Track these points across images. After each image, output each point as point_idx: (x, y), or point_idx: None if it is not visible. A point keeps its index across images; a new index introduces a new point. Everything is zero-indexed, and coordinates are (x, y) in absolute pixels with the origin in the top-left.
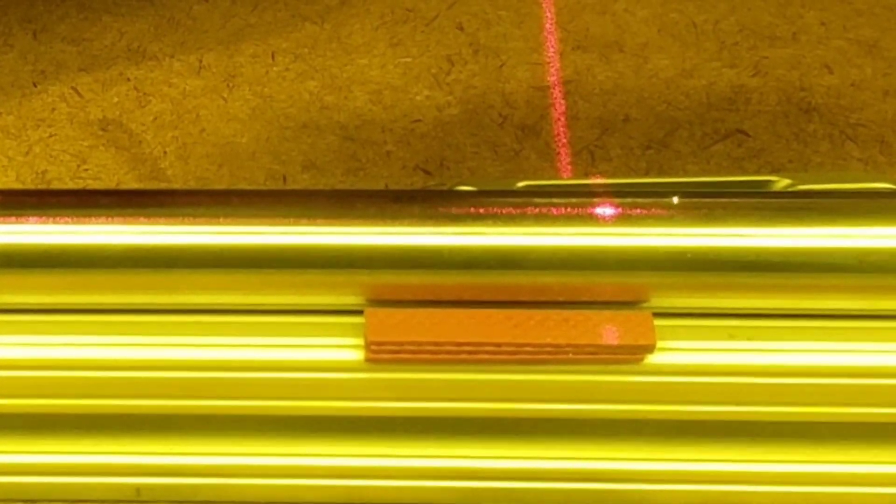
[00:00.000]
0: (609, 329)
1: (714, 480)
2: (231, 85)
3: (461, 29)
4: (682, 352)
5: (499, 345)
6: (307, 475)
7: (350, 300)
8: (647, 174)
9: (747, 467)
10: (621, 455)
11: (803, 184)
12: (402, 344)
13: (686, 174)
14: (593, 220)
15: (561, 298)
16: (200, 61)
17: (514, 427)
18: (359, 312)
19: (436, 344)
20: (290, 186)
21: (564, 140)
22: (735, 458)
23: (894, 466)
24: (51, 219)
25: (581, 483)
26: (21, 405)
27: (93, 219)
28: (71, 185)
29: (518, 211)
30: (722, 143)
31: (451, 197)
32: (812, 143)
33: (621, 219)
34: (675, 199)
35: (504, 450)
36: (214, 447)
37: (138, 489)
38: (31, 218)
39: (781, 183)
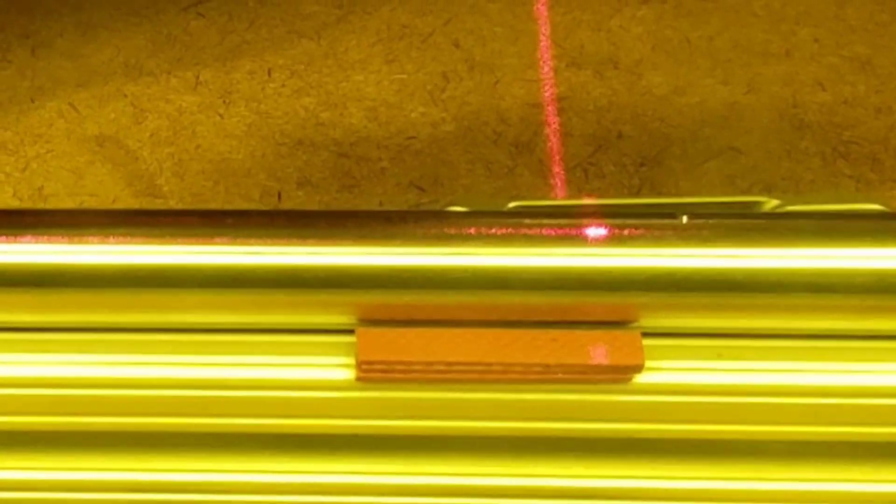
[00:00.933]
0: (598, 349)
1: (702, 499)
2: (227, 101)
3: (457, 45)
4: (671, 371)
5: (489, 364)
6: (297, 493)
7: (341, 319)
8: (640, 191)
9: (735, 485)
10: (610, 473)
11: (792, 205)
12: (392, 363)
13: (679, 191)
14: (582, 240)
15: (550, 318)
16: (197, 77)
17: (504, 445)
18: (350, 332)
19: (426, 363)
20: (285, 202)
21: (558, 157)
22: (723, 476)
23: (882, 485)
24: (45, 238)
25: (570, 501)
26: (17, 423)
27: (85, 238)
28: (68, 201)
29: (508, 231)
30: (715, 160)
31: (442, 217)
32: (804, 161)
33: (610, 239)
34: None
35: (493, 468)
36: (205, 464)
37: None
38: (26, 237)
39: (770, 204)
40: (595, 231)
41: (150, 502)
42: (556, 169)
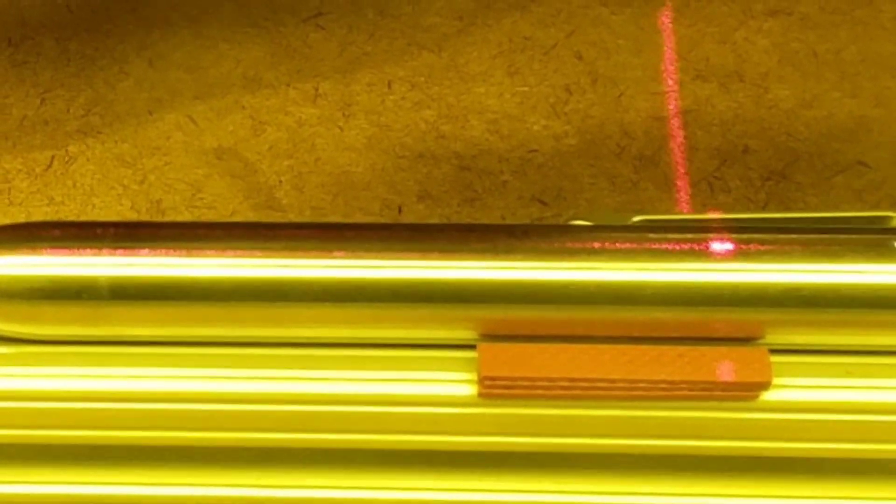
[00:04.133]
0: (724, 365)
1: None
2: (347, 114)
3: (580, 58)
4: (798, 389)
5: (613, 381)
6: None
7: (463, 335)
8: (766, 206)
9: None
10: (736, 492)
11: None
12: (515, 379)
13: (806, 206)
14: (708, 255)
15: (675, 334)
16: (316, 89)
17: (628, 463)
18: (472, 347)
19: (549, 379)
20: (406, 216)
21: (683, 171)
22: (852, 496)
23: None
24: (163, 251)
25: None
26: (133, 437)
27: (203, 252)
28: (186, 214)
29: (632, 246)
30: (842, 175)
31: (565, 231)
32: None
33: (737, 255)
34: None
35: (618, 485)
36: (325, 480)
37: None
38: (144, 250)
39: None
40: (721, 246)
41: None
42: (681, 183)
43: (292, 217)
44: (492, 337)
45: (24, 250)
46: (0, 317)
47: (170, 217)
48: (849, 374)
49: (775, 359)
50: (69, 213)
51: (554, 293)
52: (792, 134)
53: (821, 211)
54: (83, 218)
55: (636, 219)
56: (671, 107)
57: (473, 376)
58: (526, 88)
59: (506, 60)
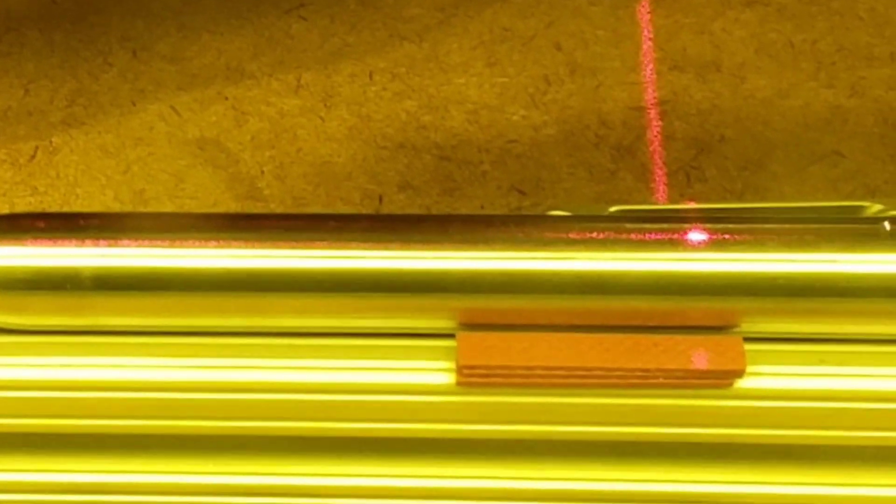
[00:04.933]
0: (699, 354)
1: None
2: (328, 104)
3: (559, 49)
4: (773, 377)
5: (589, 369)
6: (397, 496)
7: (442, 324)
8: (742, 195)
9: (837, 491)
10: (710, 479)
11: None
12: (493, 368)
13: (782, 195)
14: (684, 245)
15: (651, 323)
16: (299, 80)
17: (604, 450)
18: (451, 336)
19: (527, 368)
20: (386, 206)
21: (660, 161)
22: (825, 482)
23: None
24: (146, 242)
25: None
26: (116, 426)
27: (186, 242)
28: (168, 204)
29: (610, 235)
30: (818, 165)
31: (543, 222)
32: None
33: (712, 244)
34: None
35: (594, 472)
36: (305, 468)
37: None
38: (126, 241)
39: (874, 208)
40: (696, 235)
41: None
42: (658, 173)
43: (274, 207)
44: (470, 326)
45: (8, 241)
46: None
47: (153, 207)
48: (822, 362)
49: (749, 347)
50: (53, 203)
51: (532, 283)
52: (768, 124)
53: (796, 200)
54: (66, 208)
55: (613, 209)
56: (649, 97)
57: (452, 365)
58: (505, 79)
59: (486, 51)
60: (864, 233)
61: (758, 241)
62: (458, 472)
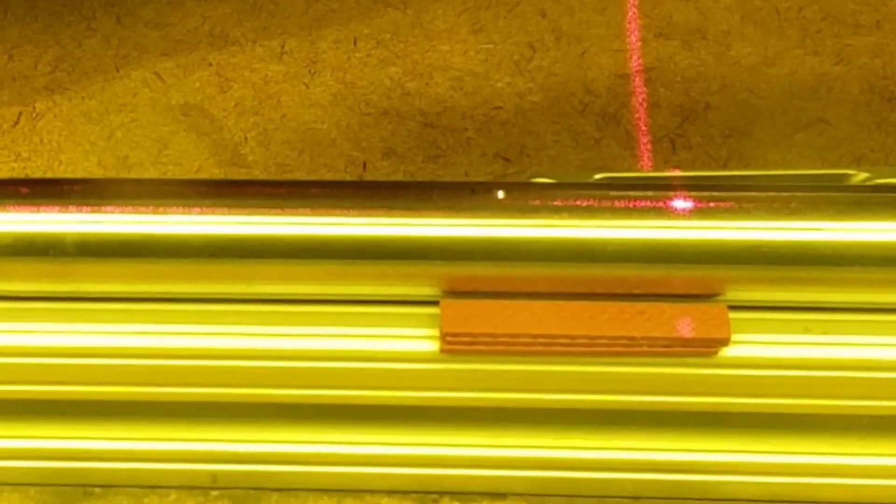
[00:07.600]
0: (684, 322)
1: (787, 472)
2: (313, 71)
3: (543, 15)
4: (757, 345)
5: (573, 337)
6: (382, 464)
7: (426, 291)
8: (727, 163)
9: (821, 459)
10: (694, 446)
11: (881, 177)
12: (477, 335)
13: (767, 163)
14: (669, 213)
15: (636, 291)
16: (282, 47)
17: (589, 418)
18: (435, 303)
19: (511, 335)
20: (370, 173)
21: (645, 128)
22: (809, 450)
23: None
24: (130, 208)
25: (654, 474)
26: (100, 392)
27: (170, 209)
28: (152, 170)
29: (594, 203)
30: (803, 132)
31: (527, 189)
32: (894, 133)
33: (697, 212)
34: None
35: (578, 440)
36: (290, 435)
37: (214, 476)
38: (110, 207)
39: (859, 176)
40: (682, 203)
41: (235, 473)
42: (643, 140)
43: (258, 173)
44: (455, 293)
45: None
46: None
47: (136, 173)
48: (807, 331)
49: (734, 315)
50: (36, 169)
51: (516, 250)
52: (754, 91)
53: (782, 168)
54: (50, 174)
55: (598, 176)
56: (634, 64)
57: (436, 332)
58: (490, 46)
59: (470, 18)
60: (849, 201)
61: (742, 209)
62: (441, 439)
